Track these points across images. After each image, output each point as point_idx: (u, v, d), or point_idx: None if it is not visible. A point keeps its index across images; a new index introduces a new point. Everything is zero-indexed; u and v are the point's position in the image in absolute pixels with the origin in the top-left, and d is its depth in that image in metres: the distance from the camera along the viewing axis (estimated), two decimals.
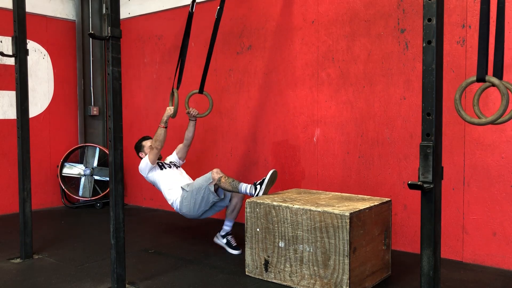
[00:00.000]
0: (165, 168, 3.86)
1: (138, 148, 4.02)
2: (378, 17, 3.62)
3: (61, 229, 4.45)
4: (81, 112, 5.72)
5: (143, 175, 3.86)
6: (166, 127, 3.72)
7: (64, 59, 5.60)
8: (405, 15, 3.49)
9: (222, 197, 3.57)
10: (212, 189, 3.46)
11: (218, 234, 3.74)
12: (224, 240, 3.68)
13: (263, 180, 3.35)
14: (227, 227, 3.69)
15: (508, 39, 3.05)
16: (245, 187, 3.38)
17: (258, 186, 3.35)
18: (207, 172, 3.56)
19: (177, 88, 3.91)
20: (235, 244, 3.65)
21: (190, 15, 3.87)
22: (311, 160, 4.05)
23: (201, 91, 4.06)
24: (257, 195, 3.31)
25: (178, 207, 3.67)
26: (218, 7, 3.94)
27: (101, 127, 5.88)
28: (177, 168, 3.95)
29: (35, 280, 3.02)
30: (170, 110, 3.78)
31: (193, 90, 4.07)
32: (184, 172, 4.02)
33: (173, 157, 4.10)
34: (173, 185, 3.73)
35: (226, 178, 3.45)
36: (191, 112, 3.96)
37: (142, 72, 5.46)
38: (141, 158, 3.92)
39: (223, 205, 3.69)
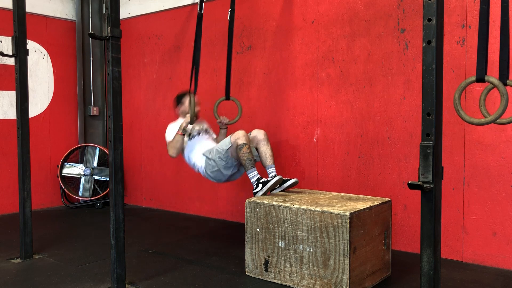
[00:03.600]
0: (194, 137, 3.66)
1: (178, 101, 3.78)
2: (378, 17, 3.62)
3: (61, 229, 4.45)
4: (81, 112, 5.72)
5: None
6: (184, 135, 3.54)
7: (64, 59, 5.60)
8: (405, 15, 3.49)
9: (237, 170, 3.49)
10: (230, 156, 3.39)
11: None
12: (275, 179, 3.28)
13: (268, 181, 3.26)
14: (271, 172, 3.41)
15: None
16: (252, 175, 3.30)
17: (261, 185, 3.27)
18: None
19: (194, 92, 3.70)
20: (285, 178, 3.38)
21: (200, 16, 3.68)
22: (311, 160, 4.05)
23: (227, 97, 3.96)
24: (256, 193, 3.29)
25: (204, 172, 3.57)
26: (230, 9, 3.92)
27: (101, 127, 5.89)
28: (206, 132, 3.76)
29: (35, 280, 3.02)
30: (187, 117, 3.51)
31: (220, 98, 4.00)
32: (214, 135, 3.87)
33: (207, 125, 3.88)
34: (196, 152, 3.58)
35: (249, 151, 3.29)
36: (223, 120, 3.84)
37: (142, 72, 5.46)
38: (175, 112, 3.72)
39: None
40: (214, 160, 3.46)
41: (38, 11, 5.33)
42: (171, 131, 3.67)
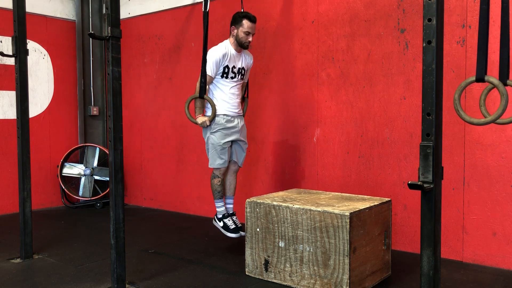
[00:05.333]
0: (228, 77, 3.51)
1: (239, 19, 3.47)
2: (378, 17, 3.62)
3: (61, 229, 4.45)
4: (81, 112, 5.72)
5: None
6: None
7: (64, 59, 5.60)
8: (405, 15, 3.49)
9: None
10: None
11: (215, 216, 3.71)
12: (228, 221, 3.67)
13: (228, 228, 3.57)
14: (228, 205, 3.74)
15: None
16: (219, 205, 3.60)
17: (222, 223, 3.59)
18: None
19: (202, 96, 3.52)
20: (239, 224, 3.65)
21: (206, 15, 3.50)
22: (311, 160, 4.05)
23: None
24: (215, 222, 3.65)
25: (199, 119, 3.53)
26: (242, 9, 3.93)
27: (101, 127, 5.89)
28: (241, 79, 3.63)
29: (35, 280, 3.02)
30: (202, 121, 3.47)
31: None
32: (245, 79, 3.74)
33: (247, 63, 3.69)
34: (215, 98, 3.50)
35: (219, 184, 3.56)
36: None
37: (142, 72, 5.46)
38: (230, 32, 3.52)
39: None
40: (207, 143, 3.57)
41: (38, 11, 5.33)
42: (211, 62, 3.43)
